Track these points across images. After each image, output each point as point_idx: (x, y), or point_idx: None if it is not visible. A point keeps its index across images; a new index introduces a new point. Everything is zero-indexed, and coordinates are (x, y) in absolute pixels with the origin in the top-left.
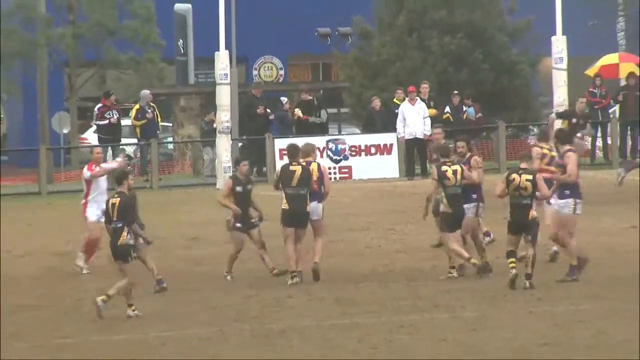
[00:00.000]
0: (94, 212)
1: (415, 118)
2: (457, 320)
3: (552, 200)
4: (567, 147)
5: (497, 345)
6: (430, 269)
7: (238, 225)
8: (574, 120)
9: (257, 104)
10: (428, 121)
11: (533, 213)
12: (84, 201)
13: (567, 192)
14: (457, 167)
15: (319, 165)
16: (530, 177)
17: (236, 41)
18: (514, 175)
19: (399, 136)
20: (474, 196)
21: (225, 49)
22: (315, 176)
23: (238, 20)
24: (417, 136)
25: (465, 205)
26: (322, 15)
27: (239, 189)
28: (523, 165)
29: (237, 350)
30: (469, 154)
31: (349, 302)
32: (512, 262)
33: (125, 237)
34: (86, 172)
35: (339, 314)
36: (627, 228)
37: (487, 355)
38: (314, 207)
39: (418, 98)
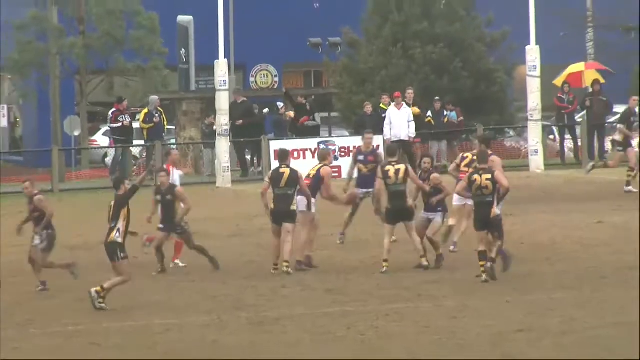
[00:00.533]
0: None
1: (400, 121)
2: (440, 309)
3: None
4: (490, 152)
5: (476, 331)
6: (414, 261)
7: (160, 226)
8: (632, 119)
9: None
10: (413, 125)
11: (495, 210)
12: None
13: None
14: (400, 166)
15: (320, 169)
16: (489, 176)
17: (234, 50)
18: (476, 176)
19: (385, 138)
20: (440, 208)
21: (224, 57)
22: (311, 174)
23: (236, 31)
24: (402, 138)
25: (430, 214)
26: (314, 26)
27: (158, 197)
28: (481, 165)
29: (235, 336)
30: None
31: (339, 291)
32: (482, 265)
33: (113, 236)
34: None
35: (329, 303)
36: (595, 223)
37: (467, 341)
38: (299, 200)
39: (404, 103)
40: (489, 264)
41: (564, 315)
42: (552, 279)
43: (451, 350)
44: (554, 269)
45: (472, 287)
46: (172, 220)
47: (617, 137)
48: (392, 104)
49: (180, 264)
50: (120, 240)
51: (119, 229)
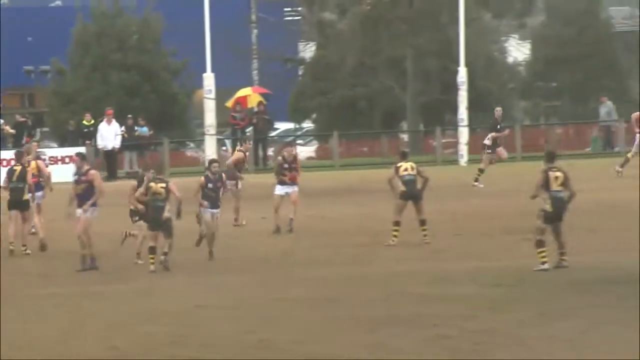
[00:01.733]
0: None
1: (109, 135)
2: (133, 290)
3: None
4: (87, 167)
5: (163, 307)
6: (111, 251)
7: None
8: (498, 127)
9: None
10: (119, 138)
11: (166, 214)
12: None
13: (90, 202)
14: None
15: (39, 164)
16: (164, 184)
17: None
18: (152, 184)
19: (99, 147)
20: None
21: None
22: (36, 172)
23: None
24: (109, 148)
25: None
26: (28, 55)
27: None
28: (159, 175)
29: None
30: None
31: (48, 275)
32: (152, 258)
33: None
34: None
35: (43, 284)
36: (261, 218)
37: (155, 314)
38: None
39: (114, 119)
40: (162, 257)
41: (232, 293)
42: (222, 262)
43: (144, 322)
44: (224, 255)
45: (159, 273)
46: None
47: (487, 141)
48: (104, 120)
49: None
50: None
51: None
